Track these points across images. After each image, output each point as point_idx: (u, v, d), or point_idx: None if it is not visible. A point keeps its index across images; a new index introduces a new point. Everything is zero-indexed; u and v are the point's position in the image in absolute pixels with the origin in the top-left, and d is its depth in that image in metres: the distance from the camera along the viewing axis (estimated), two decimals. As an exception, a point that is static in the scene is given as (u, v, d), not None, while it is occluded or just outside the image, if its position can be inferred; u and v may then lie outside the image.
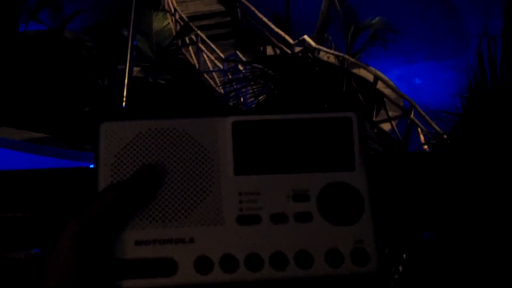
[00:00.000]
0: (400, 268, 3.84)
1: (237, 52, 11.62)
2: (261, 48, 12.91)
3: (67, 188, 0.69)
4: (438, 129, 7.53)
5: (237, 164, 0.61)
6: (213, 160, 0.61)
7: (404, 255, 3.77)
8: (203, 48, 12.45)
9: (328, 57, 11.72)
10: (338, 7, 14.13)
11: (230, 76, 11.52)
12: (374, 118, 10.69)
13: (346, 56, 11.59)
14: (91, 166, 0.62)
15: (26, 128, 9.10)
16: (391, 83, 11.40)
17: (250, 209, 0.59)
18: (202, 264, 0.57)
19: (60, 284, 0.53)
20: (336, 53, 11.88)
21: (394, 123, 10.36)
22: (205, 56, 12.45)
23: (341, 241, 0.59)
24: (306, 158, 0.61)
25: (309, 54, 11.37)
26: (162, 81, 12.00)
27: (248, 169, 0.61)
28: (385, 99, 10.67)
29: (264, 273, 0.57)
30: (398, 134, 10.08)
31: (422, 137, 9.31)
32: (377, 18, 14.23)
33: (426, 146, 7.00)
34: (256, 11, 12.87)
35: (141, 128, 0.61)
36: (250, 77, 6.20)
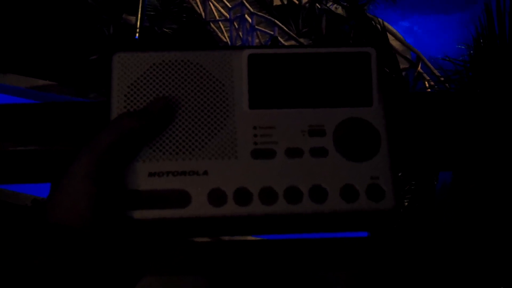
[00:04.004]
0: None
1: (244, 1, 11.45)
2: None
3: (80, 121, 0.69)
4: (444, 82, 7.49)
5: (252, 97, 0.60)
6: (228, 94, 0.60)
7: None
8: (209, -3, 12.28)
9: (336, 8, 11.58)
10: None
11: (236, 26, 11.41)
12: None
13: (354, 7, 11.45)
14: None
15: (32, 75, 9.03)
16: (399, 35, 11.24)
17: (264, 143, 0.59)
18: (216, 196, 0.57)
19: (75, 216, 0.53)
20: (344, 4, 11.72)
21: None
22: (211, 5, 12.29)
23: (356, 177, 0.58)
24: (322, 93, 0.60)
25: (317, 5, 11.25)
26: (167, 30, 11.87)
27: (263, 103, 0.60)
28: (392, 52, 10.55)
29: (278, 206, 0.57)
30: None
31: (429, 90, 9.25)
32: (386, -31, 13.99)
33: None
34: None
35: (155, 60, 0.60)
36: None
